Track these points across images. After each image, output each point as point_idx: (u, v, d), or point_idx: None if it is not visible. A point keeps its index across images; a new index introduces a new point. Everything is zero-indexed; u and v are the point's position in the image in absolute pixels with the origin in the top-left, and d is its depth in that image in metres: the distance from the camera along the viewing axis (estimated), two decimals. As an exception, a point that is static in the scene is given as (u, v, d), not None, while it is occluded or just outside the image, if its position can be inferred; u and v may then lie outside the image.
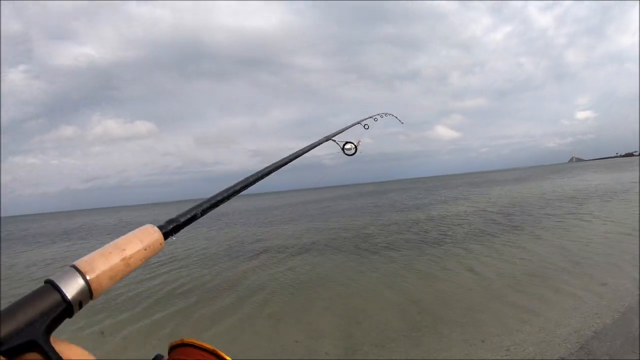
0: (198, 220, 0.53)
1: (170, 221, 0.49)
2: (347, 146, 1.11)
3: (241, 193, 0.63)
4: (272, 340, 4.79)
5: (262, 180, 0.74)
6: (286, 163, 0.81)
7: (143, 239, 0.43)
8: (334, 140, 1.05)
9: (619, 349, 3.92)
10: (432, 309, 5.42)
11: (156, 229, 0.46)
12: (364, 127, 1.83)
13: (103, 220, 44.79)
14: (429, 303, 5.66)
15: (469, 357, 4.01)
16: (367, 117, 1.97)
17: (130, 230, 0.42)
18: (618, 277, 6.07)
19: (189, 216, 0.52)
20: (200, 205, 0.55)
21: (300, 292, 6.84)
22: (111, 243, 0.41)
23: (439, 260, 8.18)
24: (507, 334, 4.37)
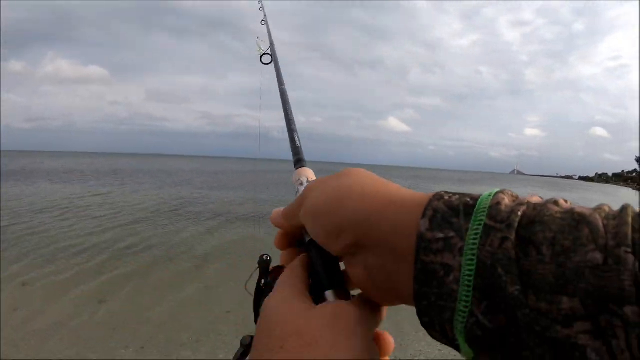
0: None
1: (297, 161, 0.55)
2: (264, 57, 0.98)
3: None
4: (206, 310, 4.68)
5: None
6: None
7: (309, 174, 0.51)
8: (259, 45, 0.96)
9: None
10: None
11: (308, 169, 0.52)
12: (261, 23, 1.47)
13: (48, 164, 42.16)
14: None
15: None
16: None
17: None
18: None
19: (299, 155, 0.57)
20: (299, 147, 0.59)
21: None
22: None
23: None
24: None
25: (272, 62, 0.90)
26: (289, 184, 0.51)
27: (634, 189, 76.71)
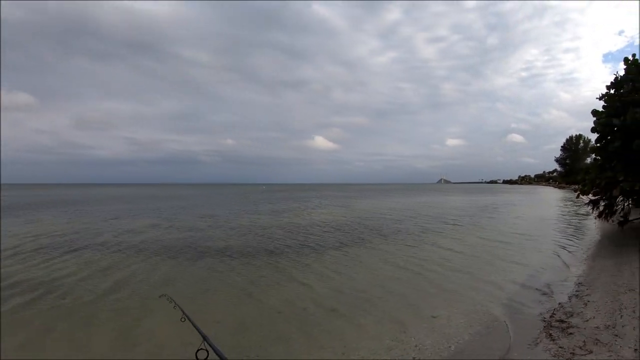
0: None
1: None
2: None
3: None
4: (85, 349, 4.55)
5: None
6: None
7: None
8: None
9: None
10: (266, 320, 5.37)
11: None
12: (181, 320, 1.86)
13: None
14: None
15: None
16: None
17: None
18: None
19: None
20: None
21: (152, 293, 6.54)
22: None
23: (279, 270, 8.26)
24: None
25: None
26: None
27: (554, 187, 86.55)
